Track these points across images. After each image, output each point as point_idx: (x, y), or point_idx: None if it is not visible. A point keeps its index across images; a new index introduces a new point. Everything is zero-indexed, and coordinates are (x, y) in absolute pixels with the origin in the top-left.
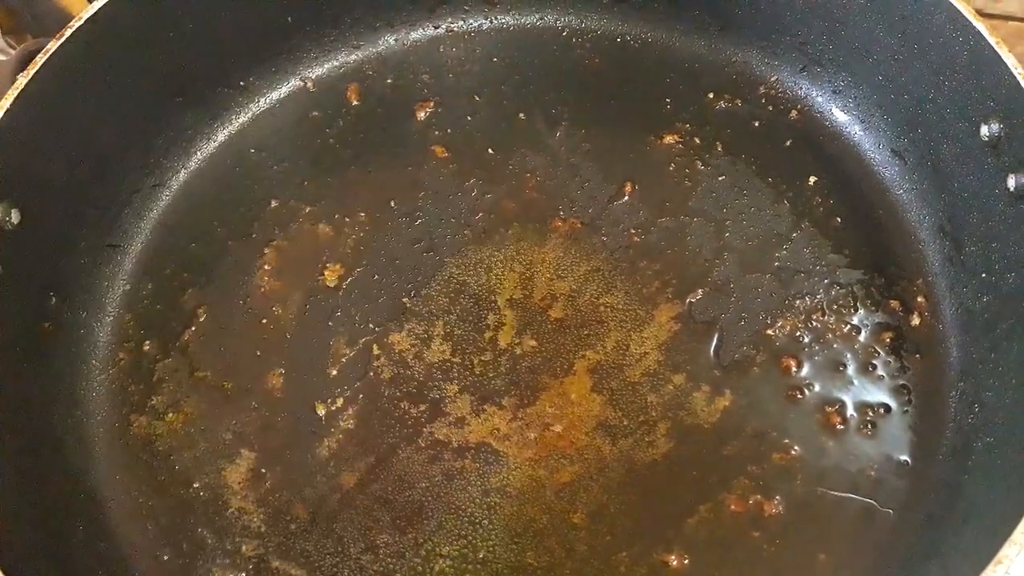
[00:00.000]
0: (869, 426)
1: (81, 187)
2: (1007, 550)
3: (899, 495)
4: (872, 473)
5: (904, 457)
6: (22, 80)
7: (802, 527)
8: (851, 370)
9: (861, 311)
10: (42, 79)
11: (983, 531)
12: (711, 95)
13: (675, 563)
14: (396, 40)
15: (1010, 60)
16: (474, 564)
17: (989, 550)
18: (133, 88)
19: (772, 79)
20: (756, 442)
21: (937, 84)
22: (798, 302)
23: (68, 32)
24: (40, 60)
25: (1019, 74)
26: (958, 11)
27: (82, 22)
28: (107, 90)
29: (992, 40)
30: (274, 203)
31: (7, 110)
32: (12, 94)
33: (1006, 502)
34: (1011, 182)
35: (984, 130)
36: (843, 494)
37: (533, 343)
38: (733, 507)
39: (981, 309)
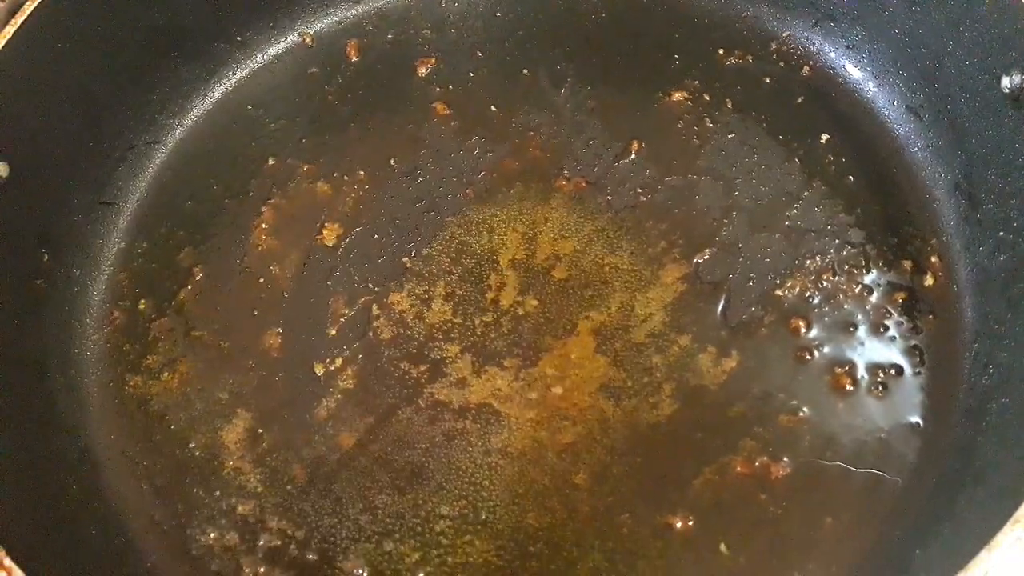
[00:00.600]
0: (880, 388)
1: (73, 142)
2: None
3: (910, 458)
4: (882, 436)
5: (916, 419)
6: (10, 29)
7: (809, 490)
8: (862, 331)
9: (873, 271)
10: (31, 29)
11: (998, 491)
12: (721, 51)
13: (679, 525)
14: None
15: None
16: (474, 525)
17: (1005, 509)
18: (128, 41)
19: (784, 35)
20: (763, 404)
21: (956, 36)
22: (808, 262)
23: None
24: (28, 8)
25: None
26: None
27: None
28: (100, 42)
29: None
30: (272, 161)
31: None
32: None
33: (1023, 461)
34: None
35: (1005, 82)
36: (852, 457)
37: (535, 303)
38: (739, 469)
39: (997, 268)
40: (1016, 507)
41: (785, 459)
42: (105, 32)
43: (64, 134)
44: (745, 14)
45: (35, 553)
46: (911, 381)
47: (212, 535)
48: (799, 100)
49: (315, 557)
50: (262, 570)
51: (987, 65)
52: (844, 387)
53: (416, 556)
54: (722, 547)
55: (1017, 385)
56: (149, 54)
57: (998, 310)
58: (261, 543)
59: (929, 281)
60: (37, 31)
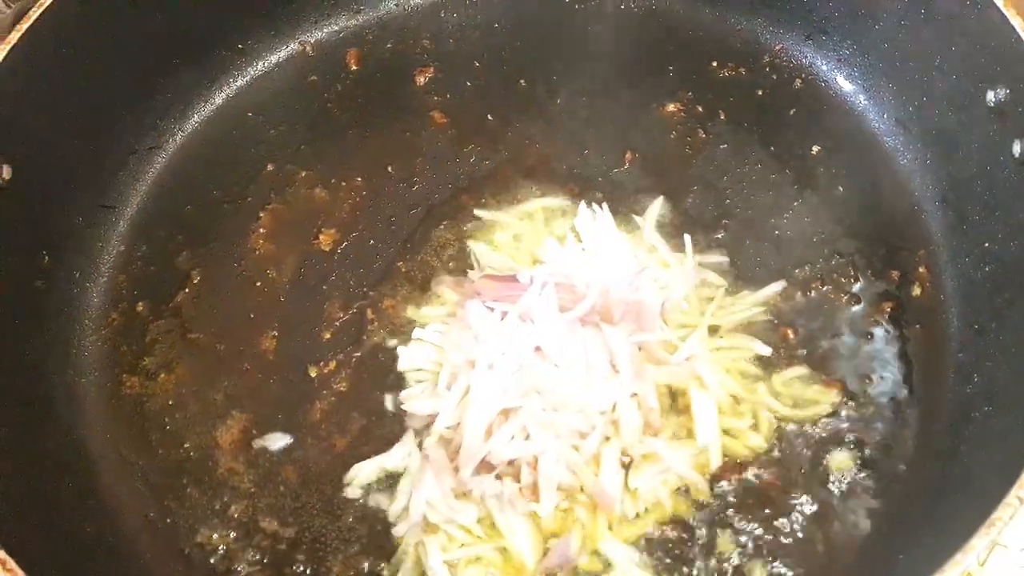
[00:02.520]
0: (866, 395)
1: (75, 146)
2: (1000, 512)
3: (895, 465)
4: (869, 443)
5: (901, 427)
6: (15, 36)
7: (798, 497)
8: (849, 340)
9: (861, 281)
10: (36, 35)
11: (978, 496)
12: (715, 63)
13: None
14: (397, 5)
15: (1017, 23)
16: None
17: (983, 513)
18: (130, 48)
19: (777, 47)
20: None
21: (944, 51)
22: (797, 271)
23: None
24: (34, 15)
25: None
26: None
27: None
28: (103, 49)
29: (1000, 3)
30: (270, 167)
31: None
32: (4, 48)
33: (1003, 468)
34: (1016, 148)
35: (990, 96)
36: (839, 465)
37: None
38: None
39: (983, 279)
40: (992, 511)
41: (775, 469)
42: (108, 39)
43: (67, 138)
44: (739, 27)
45: (31, 549)
46: (897, 389)
47: (205, 534)
48: (791, 112)
49: (306, 557)
50: (254, 569)
51: (973, 79)
52: (831, 395)
53: None
54: (733, 554)
55: (1000, 394)
56: (151, 61)
57: (983, 320)
58: (253, 543)
59: (917, 291)
60: (42, 38)
